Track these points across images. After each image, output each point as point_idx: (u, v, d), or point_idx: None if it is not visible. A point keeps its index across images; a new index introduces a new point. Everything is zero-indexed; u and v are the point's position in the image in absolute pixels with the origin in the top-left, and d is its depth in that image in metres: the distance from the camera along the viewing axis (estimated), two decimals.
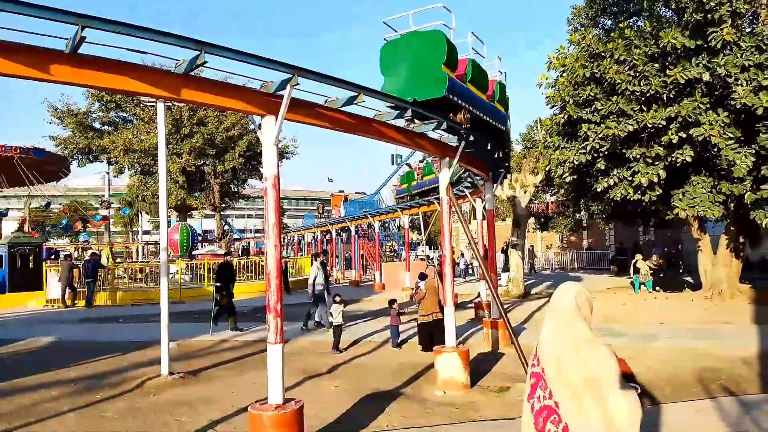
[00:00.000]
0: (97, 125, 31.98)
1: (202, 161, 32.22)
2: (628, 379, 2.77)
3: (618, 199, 13.31)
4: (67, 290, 19.75)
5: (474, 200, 14.86)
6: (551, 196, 26.05)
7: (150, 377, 8.43)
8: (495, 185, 11.77)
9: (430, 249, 51.50)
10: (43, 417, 6.69)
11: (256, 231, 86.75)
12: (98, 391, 7.87)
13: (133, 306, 19.64)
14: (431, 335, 10.24)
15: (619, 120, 12.23)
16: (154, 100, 9.40)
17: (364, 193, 54.99)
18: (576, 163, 13.41)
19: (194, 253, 28.41)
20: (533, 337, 10.36)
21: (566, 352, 2.85)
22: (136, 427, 6.26)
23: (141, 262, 33.88)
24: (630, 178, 12.72)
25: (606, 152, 12.82)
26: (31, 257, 22.48)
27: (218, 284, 13.11)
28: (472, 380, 7.67)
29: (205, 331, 12.90)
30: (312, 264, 12.92)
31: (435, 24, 7.46)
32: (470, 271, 30.19)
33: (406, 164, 29.91)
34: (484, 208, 13.18)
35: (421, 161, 27.47)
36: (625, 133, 12.14)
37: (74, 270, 20.30)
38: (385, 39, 7.80)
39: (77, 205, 46.96)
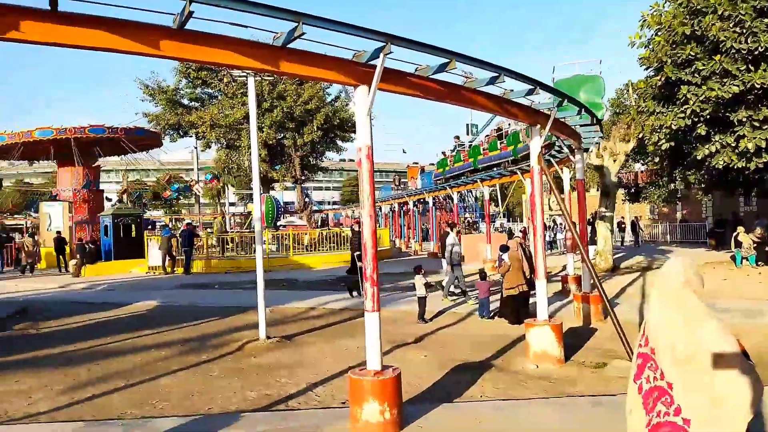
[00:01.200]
0: (185, 101, 33.41)
1: (282, 134, 32.99)
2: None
3: (720, 167, 12.43)
4: (167, 258, 21.10)
5: (561, 170, 14.35)
6: (642, 165, 24.65)
7: (249, 340, 8.89)
8: (586, 154, 11.31)
9: (507, 221, 50.67)
10: (156, 375, 7.23)
11: (334, 203, 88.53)
12: (203, 352, 8.40)
13: (226, 273, 20.71)
14: (518, 308, 10.13)
15: (722, 81, 11.35)
16: (245, 74, 9.66)
17: None
18: (674, 128, 12.61)
19: (278, 224, 29.40)
20: (627, 312, 10.08)
21: (677, 328, 2.71)
22: (241, 386, 6.63)
23: (231, 232, 35.50)
24: (734, 144, 11.82)
25: (707, 116, 11.96)
26: (133, 227, 24.17)
27: (358, 253, 13.14)
28: (566, 355, 7.49)
29: (293, 298, 13.51)
30: (449, 233, 13.37)
31: (594, 71, 12.24)
32: (555, 244, 29.28)
33: (441, 152, 35.36)
34: (573, 177, 12.72)
35: (451, 150, 32.50)
36: (730, 95, 11.26)
37: (173, 239, 21.63)
38: (552, 78, 11.86)
39: (174, 179, 49.26)
